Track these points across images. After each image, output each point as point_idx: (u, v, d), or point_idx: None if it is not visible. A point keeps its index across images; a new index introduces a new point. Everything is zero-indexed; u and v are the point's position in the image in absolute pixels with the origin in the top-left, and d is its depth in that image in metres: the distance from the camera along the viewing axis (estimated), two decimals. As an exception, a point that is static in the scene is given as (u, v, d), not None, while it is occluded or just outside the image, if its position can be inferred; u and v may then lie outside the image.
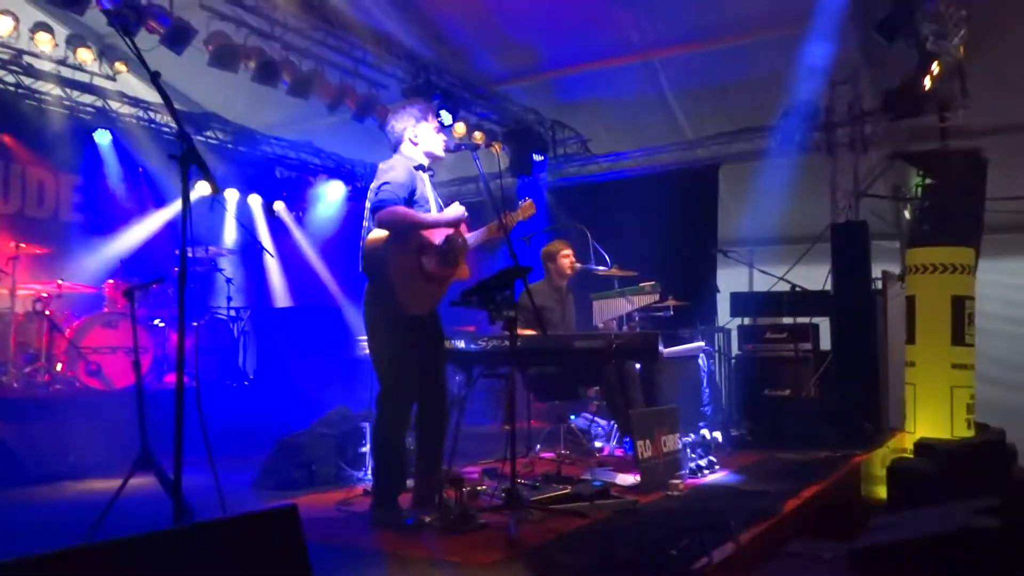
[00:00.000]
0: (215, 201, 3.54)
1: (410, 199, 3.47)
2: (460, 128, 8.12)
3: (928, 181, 6.90)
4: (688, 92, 8.55)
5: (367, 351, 3.63)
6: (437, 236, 3.56)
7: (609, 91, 8.60)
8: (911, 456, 5.43)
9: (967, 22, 6.39)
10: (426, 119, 3.64)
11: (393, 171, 3.50)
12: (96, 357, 6.20)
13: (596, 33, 7.64)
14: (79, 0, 5.39)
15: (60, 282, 6.55)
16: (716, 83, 8.25)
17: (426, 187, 3.64)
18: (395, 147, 3.66)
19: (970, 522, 2.05)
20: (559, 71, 8.49)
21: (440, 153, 3.67)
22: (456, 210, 3.58)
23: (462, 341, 4.68)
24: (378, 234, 3.39)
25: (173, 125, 2.58)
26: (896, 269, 7.49)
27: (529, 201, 3.83)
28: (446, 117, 7.55)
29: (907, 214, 7.83)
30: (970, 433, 6.09)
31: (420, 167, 3.61)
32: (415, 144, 3.62)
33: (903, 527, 2.28)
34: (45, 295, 6.42)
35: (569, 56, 8.18)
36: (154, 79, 2.62)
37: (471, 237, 3.69)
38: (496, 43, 8.16)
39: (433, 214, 3.56)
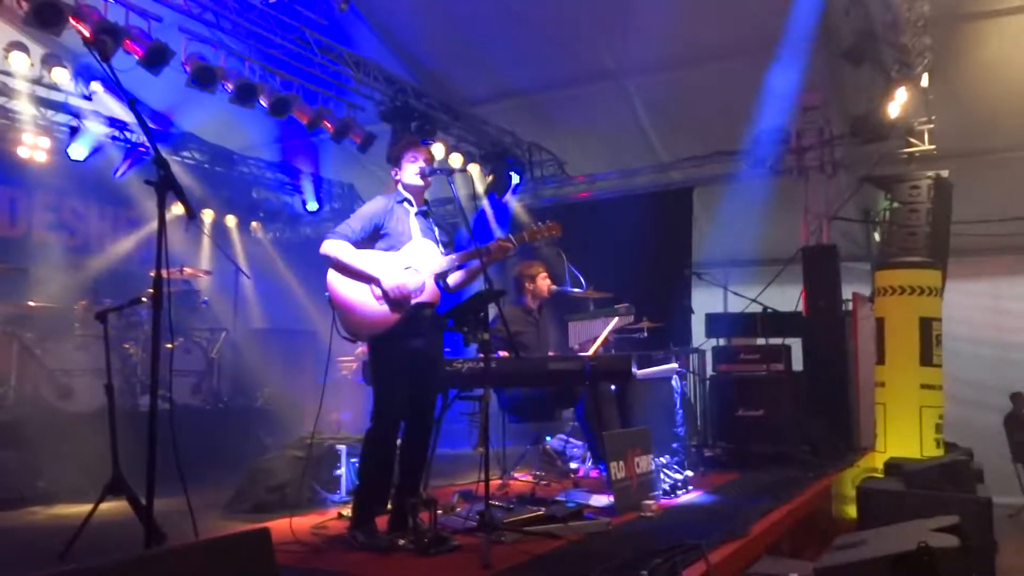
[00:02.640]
0: (191, 223, 3.56)
1: (375, 232, 3.66)
2: (438, 150, 8.17)
3: (896, 204, 7.05)
4: (662, 115, 8.69)
5: (343, 372, 3.71)
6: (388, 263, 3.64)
7: (585, 114, 8.72)
8: (881, 475, 5.51)
9: (931, 50, 6.59)
10: (404, 156, 3.81)
11: (365, 207, 3.76)
12: (67, 379, 6.13)
13: (572, 58, 7.76)
14: (55, 21, 5.38)
15: (32, 303, 6.48)
16: (689, 107, 8.40)
17: (407, 221, 3.74)
18: None
19: (929, 540, 2.11)
20: (536, 94, 8.60)
21: (416, 182, 3.78)
22: (394, 279, 3.58)
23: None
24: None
25: (149, 144, 2.59)
26: (867, 291, 7.62)
27: (555, 223, 3.91)
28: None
29: (876, 237, 7.98)
30: (939, 452, 6.19)
31: (403, 200, 3.77)
32: (398, 180, 3.82)
33: (865, 546, 2.33)
34: (16, 315, 6.35)
35: (546, 80, 8.29)
36: (131, 106, 2.64)
37: (447, 263, 3.73)
38: (473, 67, 8.27)
39: (365, 265, 3.58)
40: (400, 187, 3.81)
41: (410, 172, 3.78)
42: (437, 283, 3.70)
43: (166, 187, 2.59)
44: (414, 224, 3.76)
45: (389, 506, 3.69)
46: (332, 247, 3.61)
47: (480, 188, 9.19)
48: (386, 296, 3.57)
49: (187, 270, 7.56)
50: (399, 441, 3.70)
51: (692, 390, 7.40)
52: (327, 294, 3.63)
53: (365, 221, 3.66)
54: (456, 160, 8.60)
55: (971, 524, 3.36)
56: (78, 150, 7.70)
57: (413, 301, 3.61)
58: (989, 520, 4.21)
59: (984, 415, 8.65)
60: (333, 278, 3.62)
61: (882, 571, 2.07)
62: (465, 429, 7.03)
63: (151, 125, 2.45)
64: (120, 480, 3.74)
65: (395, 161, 3.85)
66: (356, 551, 3.37)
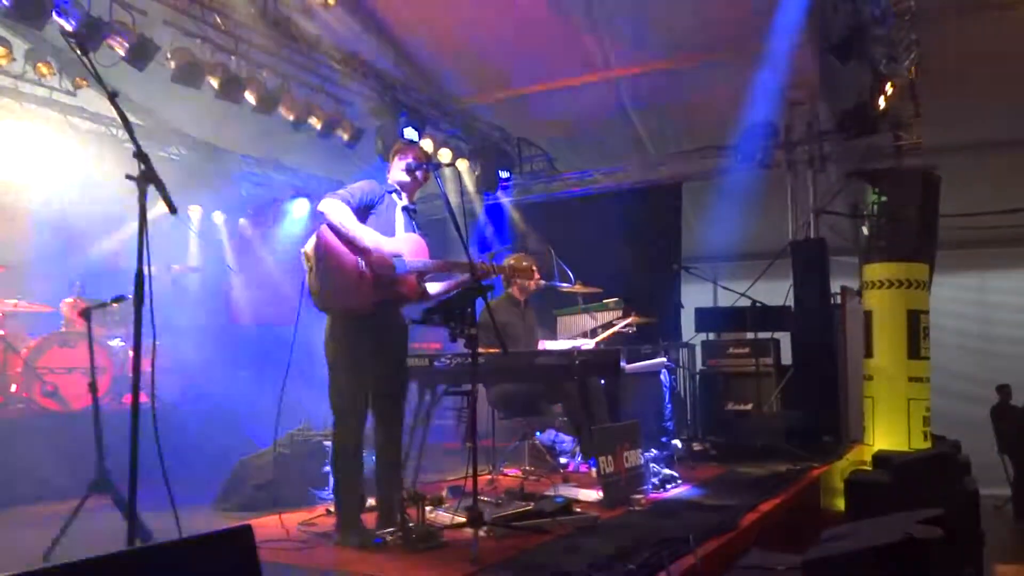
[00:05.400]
0: (177, 219, 3.53)
1: (365, 209, 3.67)
2: (426, 145, 8.14)
3: (883, 198, 7.07)
4: (651, 111, 8.68)
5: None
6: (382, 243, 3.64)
7: (574, 109, 8.69)
8: (869, 468, 5.53)
9: (918, 45, 6.60)
10: (396, 155, 3.86)
11: (361, 182, 3.75)
12: (52, 378, 6.08)
13: (561, 53, 7.73)
14: (37, 15, 5.31)
15: (16, 301, 6.42)
16: (678, 102, 8.39)
17: (394, 211, 3.77)
18: None
19: (913, 532, 2.12)
20: (525, 89, 8.57)
21: (403, 178, 3.80)
22: (398, 245, 3.63)
23: (425, 359, 4.69)
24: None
25: (131, 138, 2.57)
26: (855, 284, 7.65)
27: (530, 262, 3.91)
28: (410, 133, 7.56)
29: (865, 230, 8.00)
30: (927, 445, 6.23)
31: (393, 191, 3.81)
32: (390, 173, 3.87)
33: (852, 538, 2.34)
34: (0, 314, 6.29)
35: (535, 75, 8.26)
36: (111, 99, 2.61)
37: (422, 264, 3.71)
38: (463, 61, 8.23)
39: (374, 234, 3.60)
40: (392, 181, 3.84)
41: (398, 168, 3.81)
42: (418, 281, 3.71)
43: (147, 181, 2.56)
44: (399, 217, 3.78)
45: (372, 502, 3.68)
46: (335, 207, 3.57)
47: (469, 184, 9.17)
48: (373, 268, 3.56)
49: (175, 267, 7.52)
50: (377, 439, 3.69)
51: (681, 384, 7.42)
52: (313, 247, 3.57)
53: (362, 194, 3.67)
54: (445, 156, 8.57)
55: (958, 516, 3.37)
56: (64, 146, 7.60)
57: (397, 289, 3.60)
58: (976, 511, 4.23)
59: (971, 407, 8.70)
60: (326, 236, 3.57)
61: (869, 563, 2.08)
62: (453, 424, 7.01)
63: (132, 119, 2.43)
64: (105, 478, 3.72)
65: (389, 159, 3.91)
66: (347, 548, 3.35)
